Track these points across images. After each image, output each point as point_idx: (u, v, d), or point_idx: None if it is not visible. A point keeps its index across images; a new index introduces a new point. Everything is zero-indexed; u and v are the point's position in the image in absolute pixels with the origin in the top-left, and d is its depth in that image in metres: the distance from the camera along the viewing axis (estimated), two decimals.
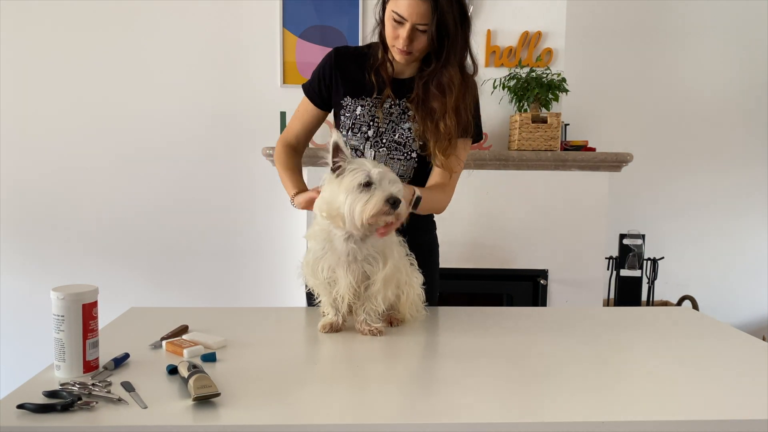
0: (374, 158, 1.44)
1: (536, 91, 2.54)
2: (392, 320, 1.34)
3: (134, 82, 2.80)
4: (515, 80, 2.61)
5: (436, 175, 1.46)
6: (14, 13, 2.73)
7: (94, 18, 2.76)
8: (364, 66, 1.46)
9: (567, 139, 2.80)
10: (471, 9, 2.66)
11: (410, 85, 1.44)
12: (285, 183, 1.50)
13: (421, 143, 1.44)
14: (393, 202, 1.15)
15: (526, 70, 2.62)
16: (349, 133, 1.47)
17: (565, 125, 2.84)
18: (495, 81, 2.65)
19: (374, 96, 1.45)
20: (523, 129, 2.55)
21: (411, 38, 1.33)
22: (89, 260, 2.85)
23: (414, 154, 1.46)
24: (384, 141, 1.45)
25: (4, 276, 2.84)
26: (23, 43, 2.75)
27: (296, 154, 1.58)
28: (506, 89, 2.65)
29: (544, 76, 2.57)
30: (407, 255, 1.34)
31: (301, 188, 1.45)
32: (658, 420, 0.87)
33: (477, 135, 1.50)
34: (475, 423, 0.86)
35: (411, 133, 1.45)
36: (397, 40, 1.35)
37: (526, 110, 2.62)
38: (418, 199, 1.31)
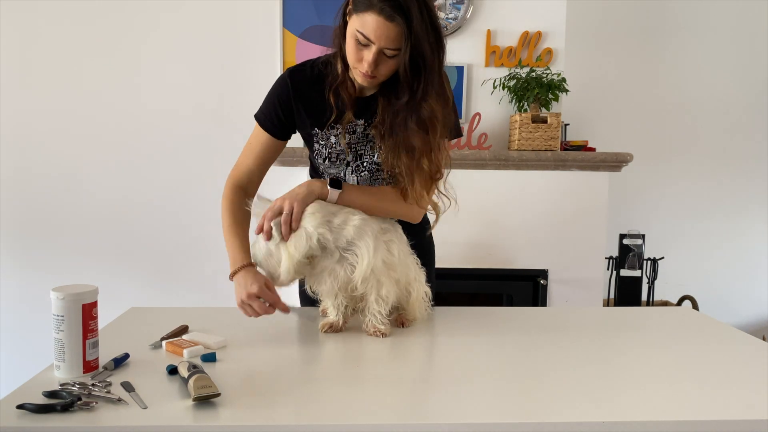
0: (357, 183, 1.38)
1: (536, 91, 2.54)
2: (404, 321, 1.33)
3: (134, 83, 2.80)
4: (515, 80, 2.61)
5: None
6: (14, 12, 2.73)
7: (93, 17, 2.76)
8: (324, 90, 1.33)
9: (567, 139, 2.80)
10: (469, 12, 2.66)
11: (374, 104, 1.33)
12: (229, 244, 1.31)
13: (390, 173, 1.34)
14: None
15: (526, 70, 2.62)
16: (327, 161, 1.37)
17: (565, 125, 2.84)
18: (495, 81, 2.65)
19: (347, 122, 1.34)
20: (523, 129, 2.55)
21: (377, 62, 1.19)
22: (89, 260, 2.85)
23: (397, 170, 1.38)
24: (365, 164, 1.36)
25: (4, 276, 2.84)
26: (22, 42, 2.75)
27: (246, 197, 1.37)
28: (506, 89, 2.65)
29: (544, 76, 2.57)
30: (412, 254, 1.33)
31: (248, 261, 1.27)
32: (658, 420, 0.87)
33: (457, 132, 1.41)
34: (475, 423, 0.86)
35: (379, 151, 1.34)
36: (360, 63, 1.21)
37: (526, 110, 2.62)
38: (336, 182, 1.26)
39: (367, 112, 1.35)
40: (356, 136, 1.36)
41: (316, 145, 1.38)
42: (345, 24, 1.24)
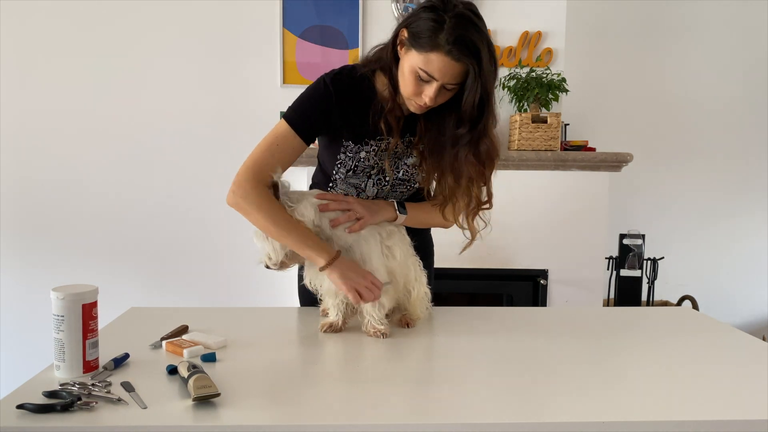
0: (376, 195, 1.39)
1: (536, 91, 2.54)
2: (408, 322, 1.33)
3: (134, 82, 2.80)
4: (515, 80, 2.61)
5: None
6: (14, 12, 2.73)
7: (93, 17, 2.76)
8: (365, 106, 1.30)
9: (567, 139, 2.80)
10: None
11: (411, 122, 1.33)
12: (305, 243, 1.23)
13: (427, 191, 1.38)
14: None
15: (526, 70, 2.62)
16: (350, 172, 1.36)
17: (565, 125, 2.84)
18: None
19: (377, 138, 1.33)
20: (523, 129, 2.55)
21: (436, 96, 1.20)
22: (89, 260, 2.85)
23: (417, 185, 1.41)
24: (387, 179, 1.37)
25: (4, 276, 2.84)
26: (22, 42, 2.75)
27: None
28: (506, 89, 2.65)
29: (544, 76, 2.57)
30: (414, 255, 1.35)
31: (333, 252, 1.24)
32: (658, 420, 0.87)
33: None
34: (475, 423, 0.86)
35: (415, 169, 1.37)
36: (418, 97, 1.21)
37: (526, 110, 2.62)
38: (402, 204, 1.30)
39: (402, 130, 1.34)
40: (387, 152, 1.35)
41: (342, 156, 1.36)
42: (396, 54, 1.23)
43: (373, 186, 1.38)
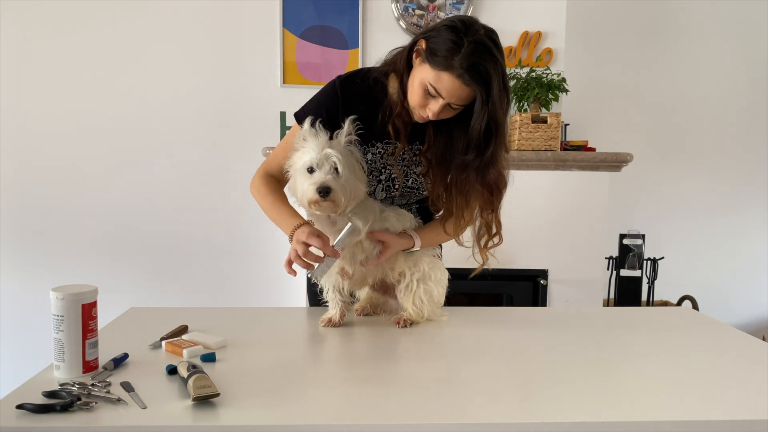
0: (385, 199, 1.39)
1: (536, 91, 2.54)
2: (399, 320, 1.34)
3: (134, 82, 2.80)
4: (515, 80, 2.61)
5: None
6: (14, 13, 2.73)
7: (93, 17, 2.76)
8: (373, 108, 1.32)
9: (567, 139, 2.80)
10: (469, 12, 2.66)
11: (421, 130, 1.34)
12: (278, 214, 1.31)
13: (433, 202, 1.38)
14: (321, 192, 1.16)
15: (526, 70, 2.62)
16: None
17: (565, 125, 2.84)
18: None
19: (385, 141, 1.34)
20: (523, 129, 2.55)
21: (440, 112, 1.22)
22: (89, 260, 2.85)
23: (426, 193, 1.41)
24: (396, 186, 1.38)
25: (4, 276, 2.84)
26: (23, 42, 2.75)
27: (280, 185, 1.41)
28: None
29: (544, 76, 2.57)
30: (434, 256, 1.37)
31: (302, 220, 1.27)
32: (658, 420, 0.87)
33: None
34: (475, 423, 0.86)
35: (424, 177, 1.37)
36: (423, 109, 1.23)
37: (526, 110, 2.62)
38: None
39: (414, 136, 1.35)
40: (394, 157, 1.35)
41: None
42: (410, 61, 1.25)
43: (382, 191, 1.38)
